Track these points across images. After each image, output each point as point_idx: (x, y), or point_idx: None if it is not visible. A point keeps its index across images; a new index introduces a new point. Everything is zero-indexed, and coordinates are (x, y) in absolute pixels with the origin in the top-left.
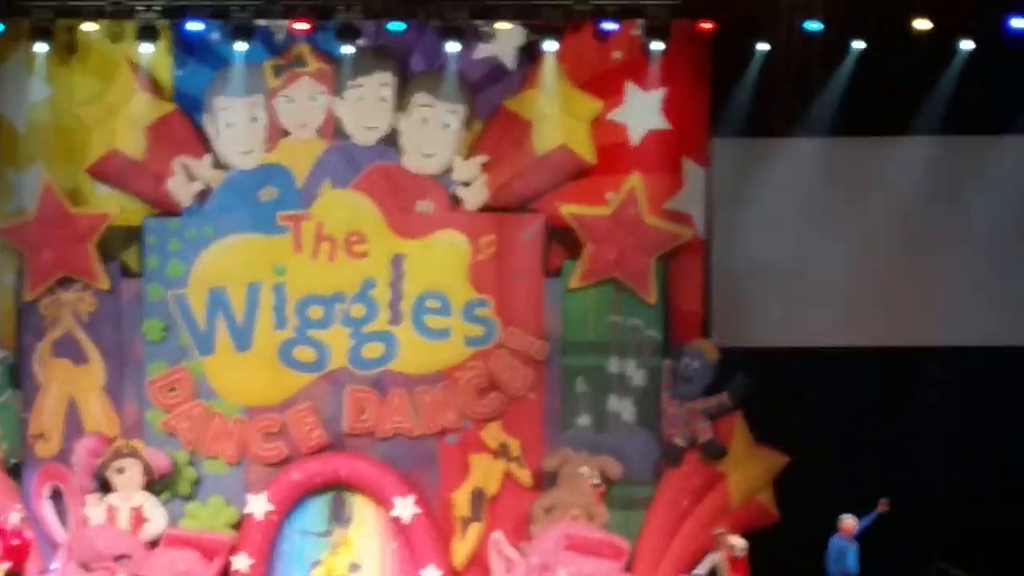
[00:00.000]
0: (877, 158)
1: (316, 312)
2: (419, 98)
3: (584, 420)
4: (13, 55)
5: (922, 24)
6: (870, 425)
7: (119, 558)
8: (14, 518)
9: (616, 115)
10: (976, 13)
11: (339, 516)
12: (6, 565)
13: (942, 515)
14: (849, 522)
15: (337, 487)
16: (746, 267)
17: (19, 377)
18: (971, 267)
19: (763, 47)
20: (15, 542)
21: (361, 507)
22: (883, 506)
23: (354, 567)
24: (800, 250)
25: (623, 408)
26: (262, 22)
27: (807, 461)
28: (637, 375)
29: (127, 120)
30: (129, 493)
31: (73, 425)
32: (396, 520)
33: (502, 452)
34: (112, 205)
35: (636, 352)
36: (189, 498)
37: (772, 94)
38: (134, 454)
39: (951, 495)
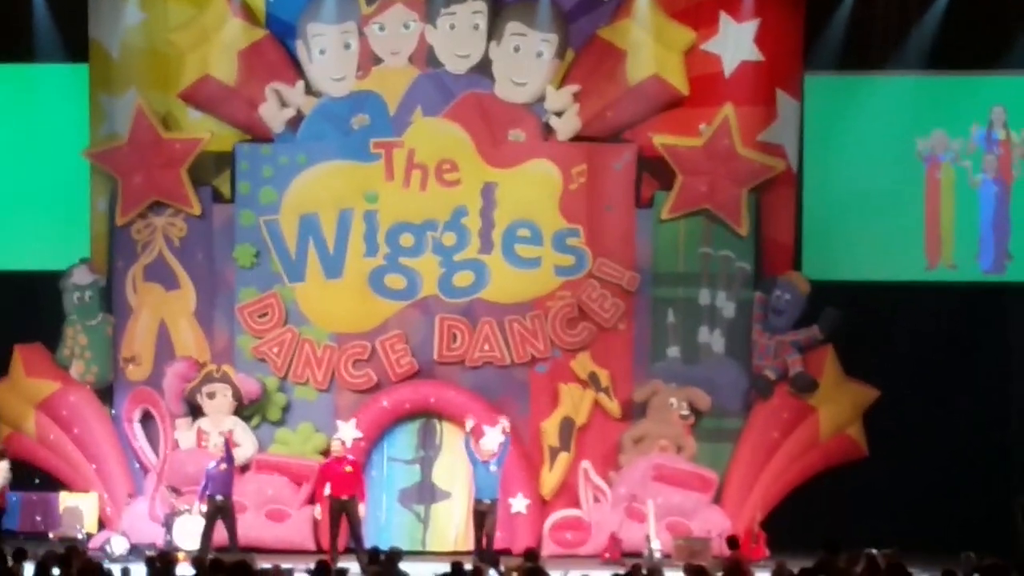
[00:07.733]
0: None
1: (407, 240)
2: (512, 27)
3: (674, 351)
4: None
5: None
6: (959, 360)
7: None
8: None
9: (709, 46)
10: None
11: (428, 444)
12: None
13: None
14: None
15: (426, 415)
16: (838, 200)
17: (111, 301)
18: None
19: None
20: (347, 468)
21: (450, 435)
22: None
23: (444, 494)
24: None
25: (713, 340)
26: None
27: (896, 396)
28: (727, 307)
29: (220, 45)
30: (219, 418)
31: (164, 349)
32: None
33: (592, 382)
34: (204, 130)
35: (727, 284)
36: (279, 424)
37: (867, 26)
38: (224, 379)
39: None
